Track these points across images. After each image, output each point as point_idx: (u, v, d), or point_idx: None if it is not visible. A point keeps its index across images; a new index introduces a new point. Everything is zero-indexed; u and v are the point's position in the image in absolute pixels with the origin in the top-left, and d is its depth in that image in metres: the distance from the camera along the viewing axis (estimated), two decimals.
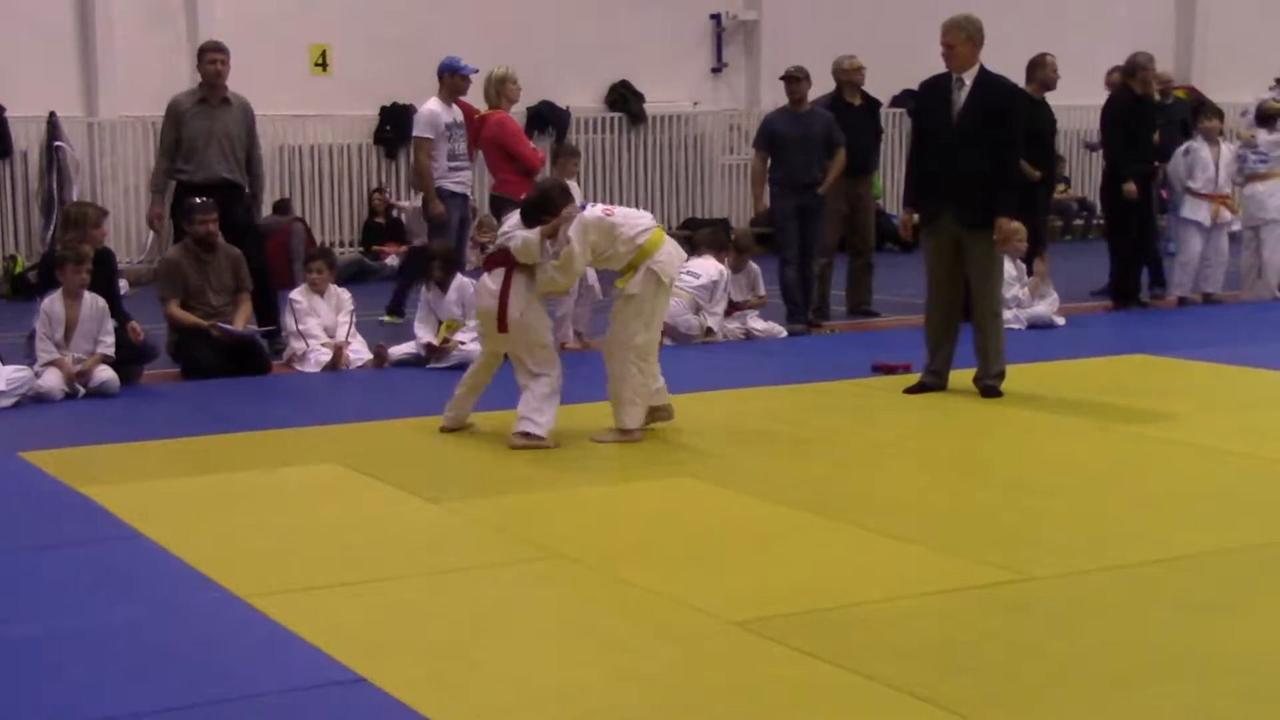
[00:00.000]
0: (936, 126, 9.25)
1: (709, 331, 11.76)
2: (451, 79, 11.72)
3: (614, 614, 5.43)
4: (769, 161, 12.35)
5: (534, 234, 8.11)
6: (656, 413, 8.49)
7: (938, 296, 9.47)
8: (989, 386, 9.28)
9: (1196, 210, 13.58)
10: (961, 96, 9.18)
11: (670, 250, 8.26)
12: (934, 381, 9.43)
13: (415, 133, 11.85)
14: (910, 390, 9.39)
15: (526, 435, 8.11)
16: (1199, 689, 4.64)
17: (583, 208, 8.24)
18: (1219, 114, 14.05)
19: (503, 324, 8.20)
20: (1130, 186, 13.04)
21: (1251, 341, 11.46)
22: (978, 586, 5.63)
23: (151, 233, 16.31)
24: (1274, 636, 5.08)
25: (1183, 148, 13.83)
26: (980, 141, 9.06)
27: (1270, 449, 7.84)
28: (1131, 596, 5.56)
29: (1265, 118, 13.87)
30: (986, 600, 5.50)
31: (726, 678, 4.77)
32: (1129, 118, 13.24)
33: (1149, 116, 13.51)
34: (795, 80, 12.48)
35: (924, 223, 9.41)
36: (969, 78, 9.18)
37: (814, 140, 12.31)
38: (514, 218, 8.41)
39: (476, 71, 11.88)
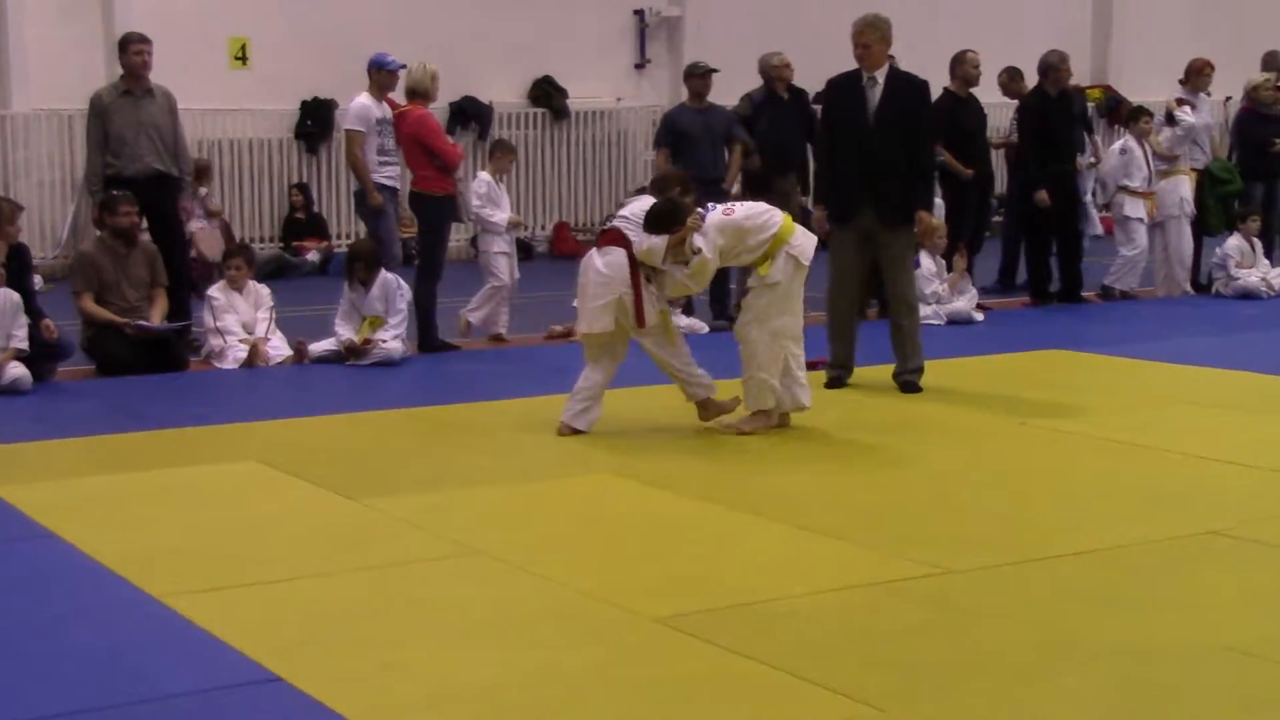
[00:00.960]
0: (852, 125, 9.31)
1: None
2: (379, 74, 11.65)
3: (534, 611, 5.42)
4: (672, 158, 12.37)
5: (660, 241, 8.07)
6: (708, 408, 8.46)
7: (843, 291, 9.56)
8: (908, 382, 9.35)
9: (1137, 208, 13.73)
10: (876, 94, 9.27)
11: (803, 234, 8.20)
12: (844, 374, 9.52)
13: (346, 126, 11.77)
14: (830, 385, 9.44)
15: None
16: (1109, 680, 4.69)
17: (704, 214, 8.16)
18: (1147, 113, 14.21)
19: (641, 319, 8.19)
20: (1042, 195, 13.12)
21: (1164, 337, 11.59)
22: (897, 581, 5.66)
23: (68, 229, 16.17)
24: (1182, 628, 5.14)
25: (1118, 147, 13.95)
26: (897, 138, 9.18)
27: (1182, 443, 7.93)
28: (1046, 590, 5.61)
29: (1168, 117, 14.04)
30: (906, 594, 5.53)
31: (647, 674, 4.77)
32: (1044, 118, 13.33)
33: (1066, 115, 13.63)
34: (700, 76, 12.52)
35: (838, 219, 9.46)
36: (880, 76, 9.29)
37: (717, 135, 12.38)
38: (636, 202, 8.42)
39: (404, 67, 11.82)
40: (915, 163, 9.31)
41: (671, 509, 6.82)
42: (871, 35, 9.25)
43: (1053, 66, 13.38)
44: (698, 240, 8.06)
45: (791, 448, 8.05)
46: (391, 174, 11.55)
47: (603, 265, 8.24)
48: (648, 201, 8.36)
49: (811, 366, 10.05)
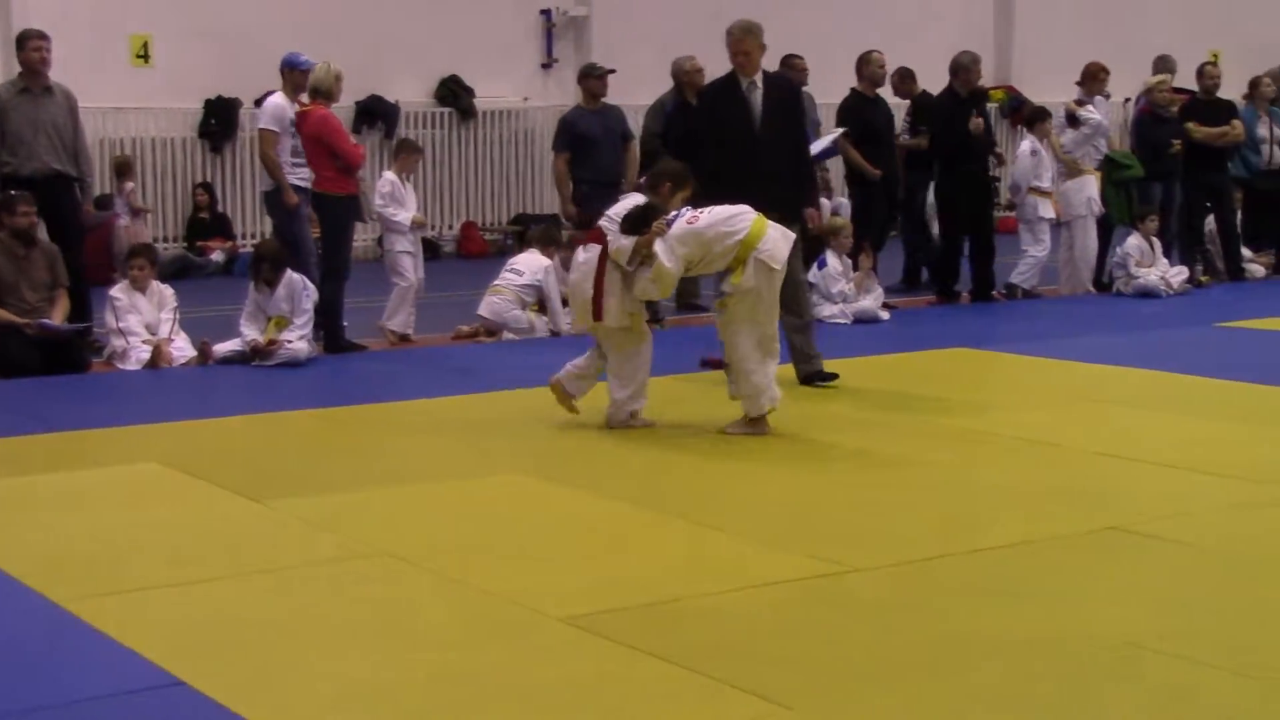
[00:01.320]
0: (737, 129, 9.39)
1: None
2: (292, 74, 11.57)
3: (440, 611, 5.40)
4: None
5: (629, 243, 8.12)
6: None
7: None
8: (820, 371, 9.41)
9: (1048, 208, 13.89)
10: (758, 99, 9.38)
11: (774, 236, 8.16)
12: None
13: (260, 125, 11.66)
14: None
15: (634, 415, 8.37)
16: (1016, 674, 4.74)
17: (671, 221, 8.16)
18: (1049, 114, 14.38)
19: (598, 314, 8.26)
20: (977, 121, 13.24)
21: (1068, 335, 11.73)
22: (805, 579, 5.69)
23: None
24: (1086, 621, 5.20)
25: (1028, 148, 14.09)
26: (781, 140, 9.35)
27: (1085, 440, 8.03)
28: (951, 586, 5.66)
29: (1070, 118, 14.22)
30: (813, 593, 5.56)
31: (553, 674, 4.76)
32: (955, 118, 13.45)
33: (976, 114, 13.75)
34: (598, 77, 12.54)
35: None
36: (759, 80, 9.43)
37: (616, 136, 12.41)
38: (626, 200, 8.51)
39: (313, 65, 11.73)
40: (799, 164, 9.54)
41: (579, 508, 6.81)
42: (752, 42, 9.37)
43: (964, 67, 13.51)
44: (657, 246, 8.07)
45: (699, 447, 8.06)
46: (305, 174, 11.47)
47: (580, 261, 8.40)
48: (634, 200, 8.42)
49: (716, 365, 10.13)
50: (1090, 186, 13.97)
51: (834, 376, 9.44)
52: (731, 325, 8.24)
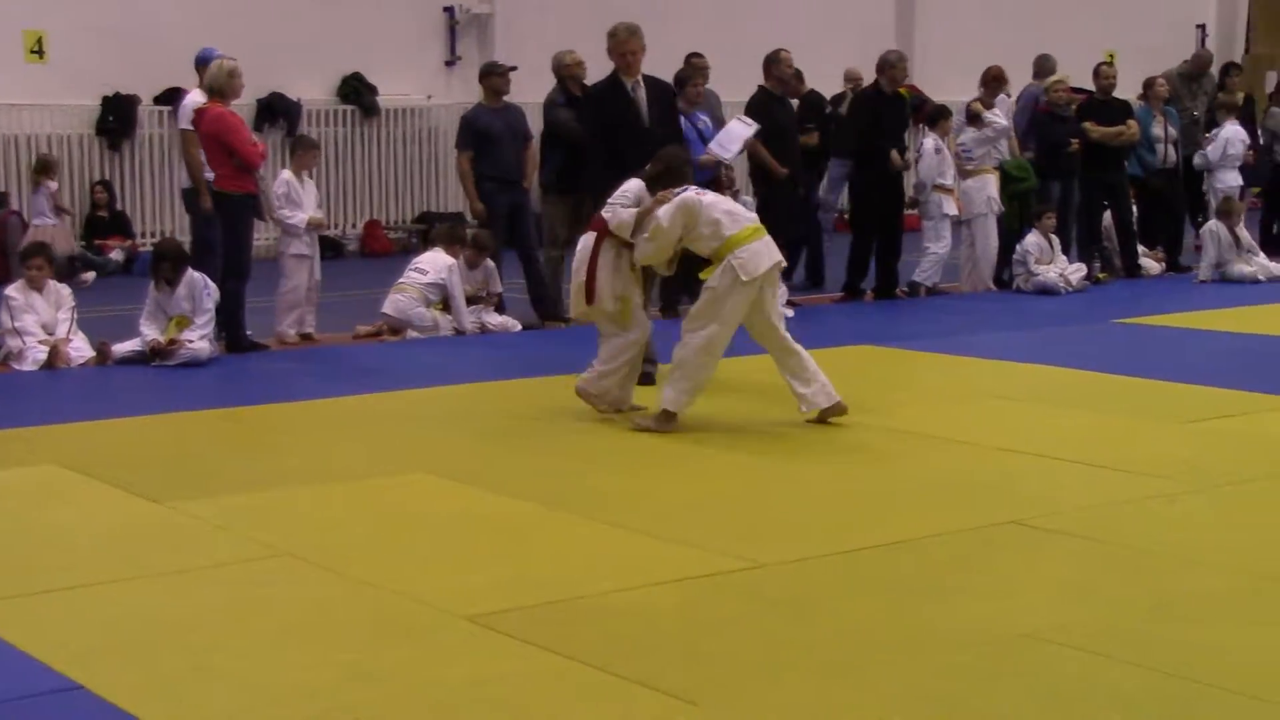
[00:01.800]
0: (627, 128, 9.59)
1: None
2: (207, 70, 11.45)
3: (344, 612, 5.36)
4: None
5: (629, 214, 8.33)
6: (825, 414, 8.40)
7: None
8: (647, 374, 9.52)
9: (951, 205, 14.02)
10: (642, 99, 9.63)
11: (758, 249, 8.22)
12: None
13: (180, 125, 11.52)
14: (642, 382, 9.48)
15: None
16: (918, 668, 4.78)
17: (677, 194, 8.34)
18: (949, 112, 14.52)
19: (591, 296, 8.40)
20: (896, 156, 13.34)
21: (969, 332, 11.86)
22: (709, 575, 5.71)
23: None
24: (987, 615, 5.26)
25: (932, 146, 14.20)
26: (663, 140, 9.55)
27: (986, 436, 8.11)
28: (856, 581, 5.70)
29: (972, 117, 14.37)
30: (718, 589, 5.58)
31: (459, 673, 4.75)
32: (877, 115, 13.54)
33: (899, 113, 13.87)
34: (500, 75, 12.53)
35: None
36: (640, 80, 9.68)
37: (518, 135, 12.43)
38: (630, 185, 8.53)
39: (235, 62, 11.63)
40: None
41: (484, 507, 6.79)
42: (637, 43, 9.63)
43: (890, 64, 13.63)
44: (659, 211, 8.21)
45: (603, 444, 8.07)
46: None
47: (579, 248, 8.54)
48: (632, 183, 8.54)
49: None
50: (990, 185, 14.12)
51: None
52: (690, 319, 8.33)
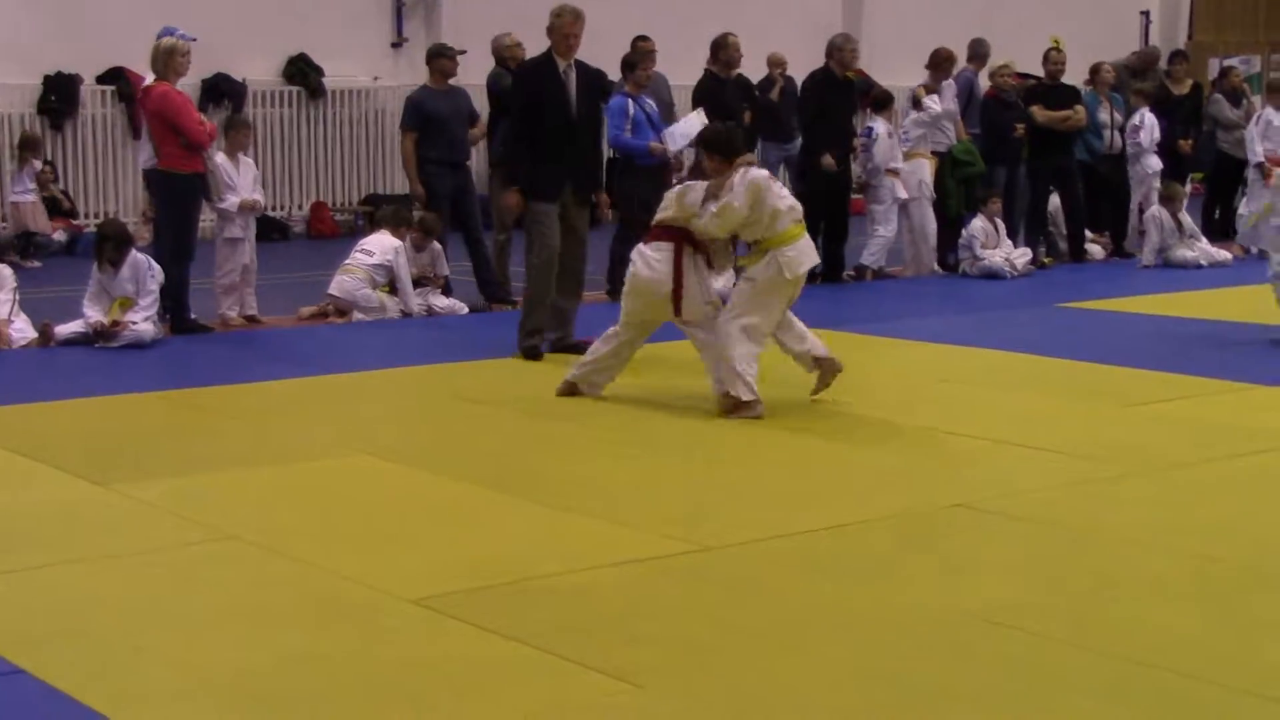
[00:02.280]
0: (557, 111, 9.75)
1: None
2: None
3: (287, 595, 5.34)
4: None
5: (709, 217, 8.16)
6: (823, 365, 8.48)
7: (553, 265, 9.87)
8: (574, 344, 9.81)
9: (900, 189, 14.05)
10: (573, 82, 9.81)
11: (804, 247, 8.30)
12: (542, 344, 9.90)
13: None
14: (529, 356, 9.79)
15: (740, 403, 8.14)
16: (865, 648, 4.80)
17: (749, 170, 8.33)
18: (892, 98, 14.57)
19: (678, 308, 8.25)
20: (828, 159, 13.35)
21: (915, 315, 11.91)
22: (653, 558, 5.71)
23: None
24: (933, 596, 5.28)
25: (884, 130, 14.23)
26: (590, 125, 9.97)
27: (932, 419, 8.15)
28: (801, 563, 5.72)
29: (914, 102, 14.43)
30: (662, 571, 5.58)
31: (403, 655, 4.74)
32: (825, 98, 13.55)
33: (847, 97, 13.87)
34: (449, 58, 12.50)
35: (547, 198, 9.77)
36: (572, 64, 9.85)
37: (463, 117, 12.42)
38: (693, 187, 8.40)
39: (195, 40, 11.52)
40: (598, 150, 10.31)
41: (428, 490, 6.77)
42: (579, 27, 9.82)
43: (837, 47, 13.62)
44: (738, 182, 8.14)
45: (547, 427, 8.06)
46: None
47: (653, 258, 8.28)
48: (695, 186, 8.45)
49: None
50: (924, 170, 14.18)
51: (582, 348, 9.59)
52: (731, 309, 8.30)
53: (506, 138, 12.35)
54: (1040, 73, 15.59)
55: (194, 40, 11.42)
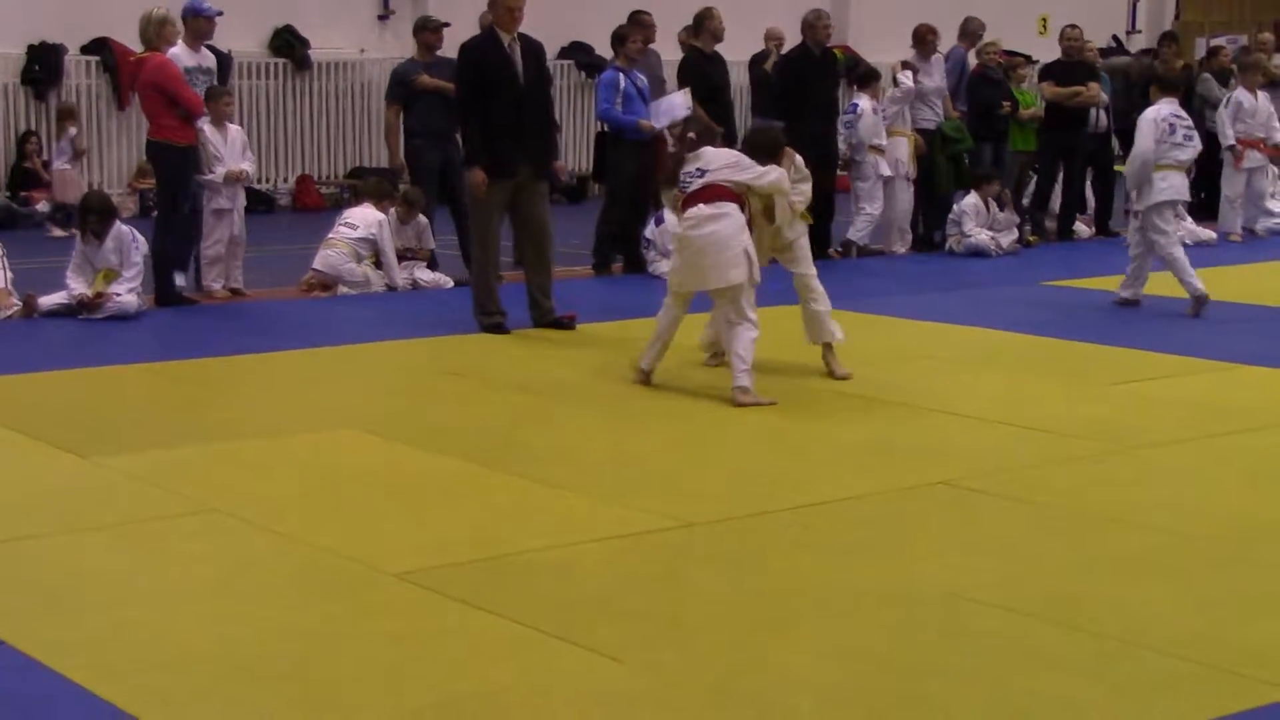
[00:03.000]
0: (505, 85, 9.81)
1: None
2: (195, 21, 11.32)
3: (271, 568, 5.34)
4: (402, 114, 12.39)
5: (782, 172, 8.41)
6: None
7: (494, 244, 10.04)
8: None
9: (884, 166, 14.03)
10: (518, 56, 9.88)
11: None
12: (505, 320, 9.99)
13: None
14: (494, 330, 9.85)
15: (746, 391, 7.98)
16: (846, 626, 4.82)
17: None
18: (877, 74, 14.54)
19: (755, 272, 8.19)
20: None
21: (900, 293, 11.91)
22: (638, 534, 5.72)
23: None
24: (915, 574, 5.30)
25: (869, 107, 14.19)
26: (539, 97, 10.06)
27: (916, 397, 8.15)
28: (783, 541, 5.73)
29: (895, 80, 14.42)
30: (647, 547, 5.59)
31: (386, 629, 4.74)
32: (804, 74, 13.51)
33: (828, 73, 13.81)
34: (434, 30, 12.48)
35: (502, 174, 9.78)
36: (516, 37, 9.92)
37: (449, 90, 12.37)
38: (707, 155, 8.32)
39: (221, 14, 11.50)
40: (549, 121, 10.45)
41: (412, 464, 6.77)
42: (524, 0, 9.84)
43: (809, 24, 13.57)
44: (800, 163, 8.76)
45: (531, 401, 8.06)
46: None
47: (708, 217, 8.10)
48: (720, 153, 8.44)
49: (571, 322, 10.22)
50: (900, 148, 14.15)
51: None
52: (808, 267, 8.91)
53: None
54: (1029, 51, 15.58)
55: (219, 14, 11.41)
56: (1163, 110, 11.18)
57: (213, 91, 11.67)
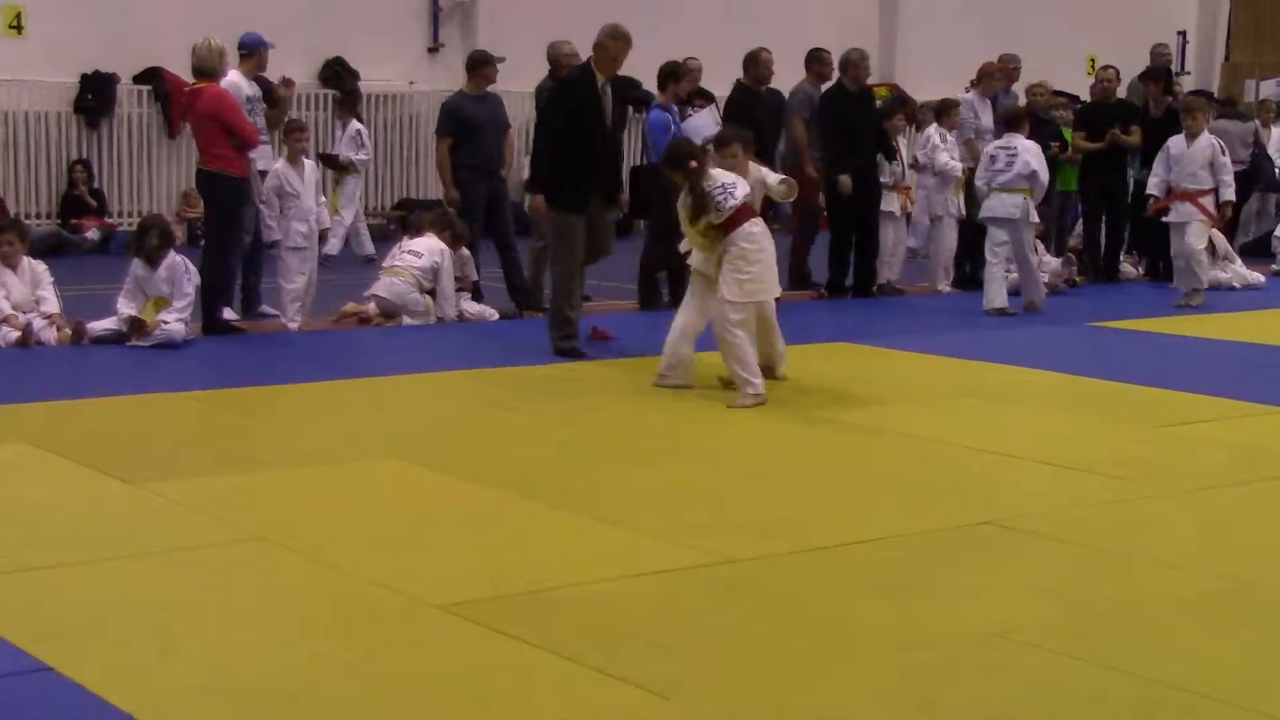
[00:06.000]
0: (593, 126, 10.17)
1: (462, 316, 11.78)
2: (261, 53, 11.50)
3: (316, 598, 5.35)
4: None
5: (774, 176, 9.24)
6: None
7: (577, 271, 10.42)
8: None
9: (890, 202, 14.01)
10: (608, 99, 10.28)
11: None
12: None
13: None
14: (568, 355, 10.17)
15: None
16: (889, 665, 4.79)
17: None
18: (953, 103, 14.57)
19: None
20: (845, 180, 13.35)
21: (943, 331, 11.85)
22: (681, 569, 5.71)
23: None
24: (958, 614, 5.27)
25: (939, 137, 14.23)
26: (617, 137, 10.55)
27: (959, 436, 8.11)
28: (828, 578, 5.70)
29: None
30: (689, 583, 5.57)
31: (429, 661, 4.74)
32: (844, 113, 13.54)
33: (868, 111, 13.86)
34: (492, 65, 12.56)
35: (575, 209, 10.21)
36: (609, 81, 10.33)
37: (498, 124, 12.48)
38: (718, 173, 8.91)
39: (273, 46, 11.69)
40: (620, 152, 11.12)
41: (457, 495, 6.77)
42: (626, 49, 10.23)
43: (852, 63, 13.66)
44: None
45: (577, 434, 8.06)
46: (261, 153, 11.31)
47: (758, 233, 8.86)
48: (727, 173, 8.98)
49: (605, 338, 10.45)
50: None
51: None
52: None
53: (538, 145, 12.53)
54: (1074, 90, 15.54)
55: (272, 47, 11.54)
56: (993, 144, 13.16)
57: (291, 125, 11.75)
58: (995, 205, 12.92)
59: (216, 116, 10.82)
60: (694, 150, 9.14)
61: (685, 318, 9.11)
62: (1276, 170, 17.98)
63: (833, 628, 5.14)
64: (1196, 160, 13.57)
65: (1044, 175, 12.96)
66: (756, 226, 8.81)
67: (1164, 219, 13.77)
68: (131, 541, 5.96)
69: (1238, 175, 15.22)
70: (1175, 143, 13.75)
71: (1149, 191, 13.98)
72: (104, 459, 7.18)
